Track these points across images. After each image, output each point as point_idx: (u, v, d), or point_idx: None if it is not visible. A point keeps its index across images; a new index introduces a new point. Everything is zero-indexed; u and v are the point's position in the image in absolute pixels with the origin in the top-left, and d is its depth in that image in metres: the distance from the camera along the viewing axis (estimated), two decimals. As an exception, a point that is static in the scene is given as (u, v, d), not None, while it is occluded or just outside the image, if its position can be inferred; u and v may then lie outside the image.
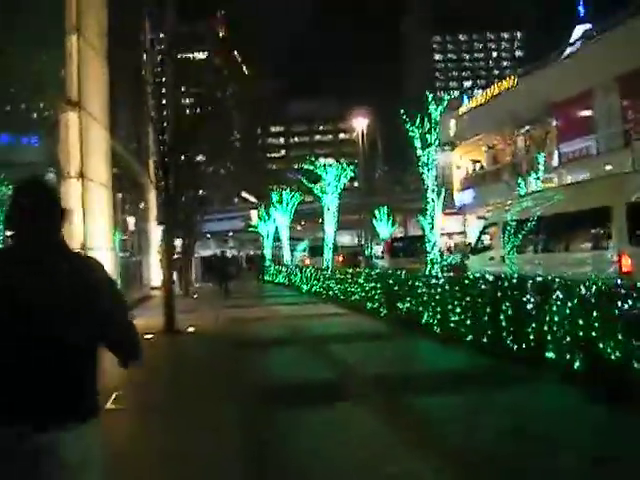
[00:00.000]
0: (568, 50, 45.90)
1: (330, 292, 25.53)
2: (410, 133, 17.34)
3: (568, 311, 8.88)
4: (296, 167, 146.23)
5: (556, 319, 9.19)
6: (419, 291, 15.01)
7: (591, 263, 12.71)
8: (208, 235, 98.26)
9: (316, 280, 28.59)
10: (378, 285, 18.49)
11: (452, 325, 13.08)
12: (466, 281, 12.46)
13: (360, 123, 33.37)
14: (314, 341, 14.76)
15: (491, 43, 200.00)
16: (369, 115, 34.74)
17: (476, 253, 17.75)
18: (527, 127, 43.41)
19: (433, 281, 14.34)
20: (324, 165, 29.39)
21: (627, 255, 11.63)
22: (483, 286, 11.63)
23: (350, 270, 23.25)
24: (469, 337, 12.17)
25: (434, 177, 17.25)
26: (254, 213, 62.98)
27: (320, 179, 29.72)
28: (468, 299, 12.27)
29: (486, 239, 17.86)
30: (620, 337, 7.86)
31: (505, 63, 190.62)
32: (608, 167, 35.91)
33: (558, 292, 9.22)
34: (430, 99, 17.65)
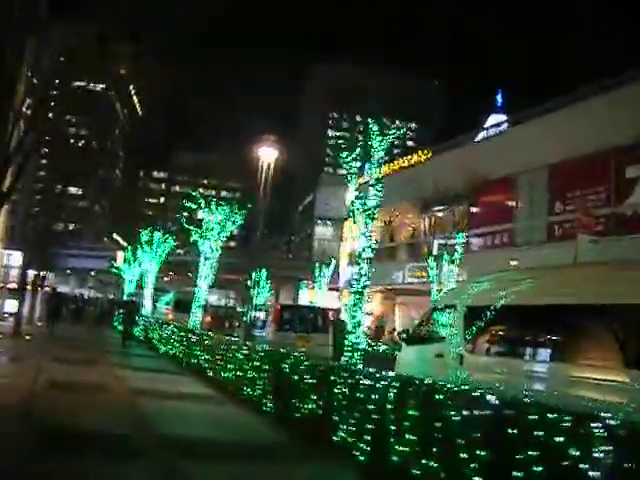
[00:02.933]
0: (482, 134, 43.03)
1: (194, 360, 20.07)
2: (345, 165, 13.19)
3: None
4: (176, 214, 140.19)
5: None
6: (336, 391, 9.96)
7: (625, 389, 7.89)
8: (68, 270, 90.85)
9: (178, 342, 23.02)
10: (265, 367, 13.30)
11: (395, 458, 8.09)
12: (438, 395, 7.48)
13: (267, 155, 27.90)
14: (168, 454, 9.25)
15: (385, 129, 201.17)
16: (278, 148, 29.36)
17: (413, 343, 12.72)
18: (437, 207, 39.91)
19: (363, 381, 9.31)
20: (208, 204, 24.14)
21: None
22: (477, 410, 6.72)
23: (225, 339, 17.95)
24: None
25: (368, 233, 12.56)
26: (120, 254, 56.78)
27: (200, 224, 24.67)
28: (438, 425, 7.33)
29: (429, 327, 12.98)
30: None
31: (396, 151, 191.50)
32: (513, 262, 32.42)
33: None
34: (375, 127, 13.49)
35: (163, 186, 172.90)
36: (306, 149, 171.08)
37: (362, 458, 8.95)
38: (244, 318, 26.44)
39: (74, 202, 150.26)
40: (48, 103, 21.02)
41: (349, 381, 9.73)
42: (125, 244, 68.45)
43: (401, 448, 8.03)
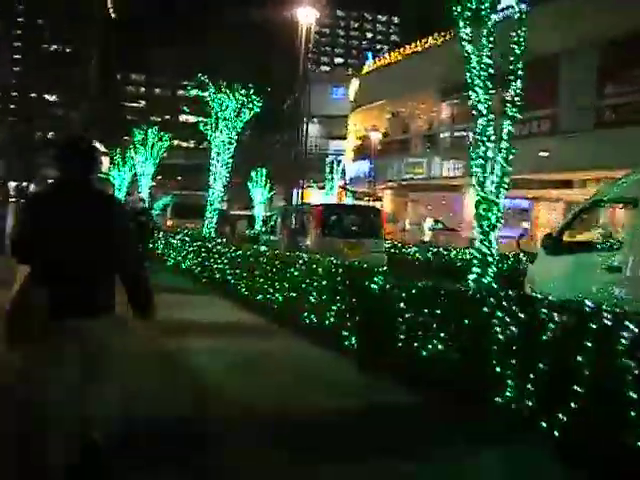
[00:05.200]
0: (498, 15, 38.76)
1: (217, 276, 16.73)
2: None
3: None
4: (158, 117, 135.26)
5: None
6: (497, 329, 6.59)
7: None
8: (50, 180, 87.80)
9: (192, 254, 19.60)
10: (340, 286, 9.92)
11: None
12: None
13: (305, 16, 22.79)
14: (237, 444, 6.02)
15: (367, 24, 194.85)
16: (319, 8, 24.45)
17: (561, 252, 9.14)
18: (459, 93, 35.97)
19: (551, 314, 5.96)
20: (220, 88, 20.27)
21: None
22: None
23: (264, 250, 14.57)
24: None
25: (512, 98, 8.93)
26: (105, 159, 52.82)
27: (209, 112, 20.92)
28: None
29: (587, 230, 9.47)
30: None
31: (379, 46, 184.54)
32: (543, 154, 29.01)
33: None
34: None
35: (142, 89, 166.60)
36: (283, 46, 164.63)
37: (557, 433, 5.73)
38: (267, 223, 22.80)
39: (50, 109, 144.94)
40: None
41: (520, 315, 6.37)
42: (106, 150, 64.51)
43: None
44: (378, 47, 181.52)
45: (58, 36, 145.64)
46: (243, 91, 19.95)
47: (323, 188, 44.32)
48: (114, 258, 4.00)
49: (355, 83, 48.82)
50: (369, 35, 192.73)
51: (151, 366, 8.15)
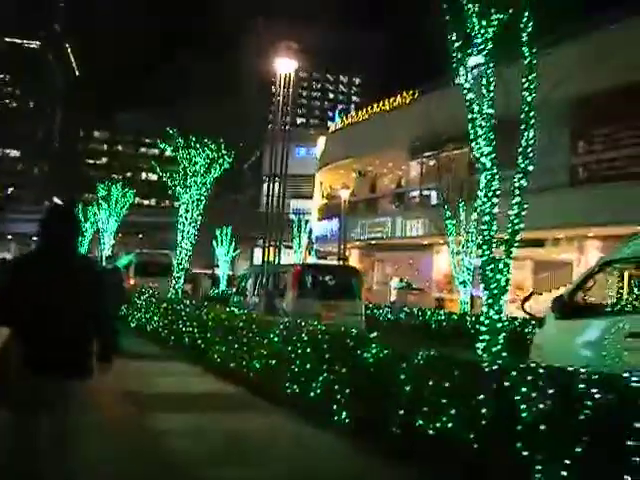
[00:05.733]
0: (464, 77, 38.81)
1: (187, 339, 15.70)
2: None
3: None
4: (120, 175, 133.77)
5: None
6: (522, 406, 5.75)
7: None
8: (9, 236, 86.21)
9: (159, 316, 18.55)
10: (327, 354, 9.05)
11: None
12: None
13: (284, 66, 21.17)
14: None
15: (329, 85, 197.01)
16: (298, 57, 23.13)
17: (574, 316, 8.21)
18: (429, 152, 35.57)
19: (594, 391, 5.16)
20: (190, 143, 19.55)
21: None
22: None
23: (239, 312, 13.65)
24: None
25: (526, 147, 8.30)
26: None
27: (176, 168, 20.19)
28: None
29: (598, 290, 8.70)
30: None
31: (341, 107, 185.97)
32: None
33: None
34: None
35: (105, 146, 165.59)
36: (248, 107, 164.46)
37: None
38: (239, 284, 21.85)
39: (11, 165, 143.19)
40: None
41: (548, 390, 5.58)
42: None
43: None
44: (340, 107, 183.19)
45: (20, 92, 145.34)
46: (213, 146, 19.26)
47: (290, 247, 43.65)
48: (93, 321, 4.24)
49: (322, 141, 48.52)
50: (331, 96, 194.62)
51: (120, 445, 7.20)
